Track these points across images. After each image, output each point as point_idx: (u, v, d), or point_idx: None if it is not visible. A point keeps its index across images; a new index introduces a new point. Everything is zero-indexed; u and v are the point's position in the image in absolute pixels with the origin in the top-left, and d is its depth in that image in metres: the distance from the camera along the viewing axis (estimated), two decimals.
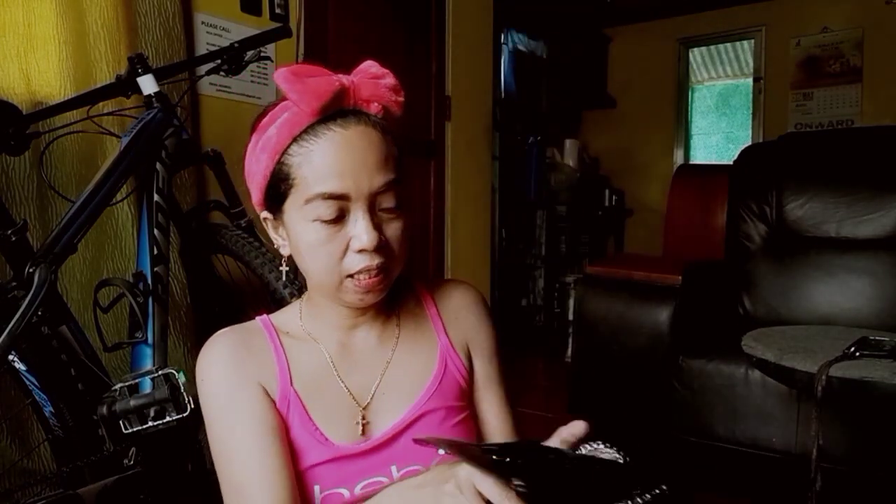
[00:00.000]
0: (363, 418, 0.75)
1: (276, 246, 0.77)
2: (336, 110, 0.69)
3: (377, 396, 0.77)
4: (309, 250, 0.70)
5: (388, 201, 0.69)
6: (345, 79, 0.70)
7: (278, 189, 0.70)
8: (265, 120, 0.72)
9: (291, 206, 0.70)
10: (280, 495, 0.68)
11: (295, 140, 0.68)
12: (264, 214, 0.75)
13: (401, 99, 0.72)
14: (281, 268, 0.77)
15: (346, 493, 0.72)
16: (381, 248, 0.69)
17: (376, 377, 0.78)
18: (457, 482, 0.55)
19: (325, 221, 0.68)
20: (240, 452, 0.70)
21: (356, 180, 0.67)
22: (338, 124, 0.68)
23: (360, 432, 0.74)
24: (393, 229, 0.71)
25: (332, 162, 0.67)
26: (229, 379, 0.72)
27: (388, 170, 0.69)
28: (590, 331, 1.99)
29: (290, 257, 0.76)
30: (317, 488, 0.72)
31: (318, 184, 0.67)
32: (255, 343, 0.76)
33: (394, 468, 0.74)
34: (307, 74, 0.68)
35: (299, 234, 0.70)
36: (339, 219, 0.68)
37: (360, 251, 0.68)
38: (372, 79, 0.71)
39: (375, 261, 0.69)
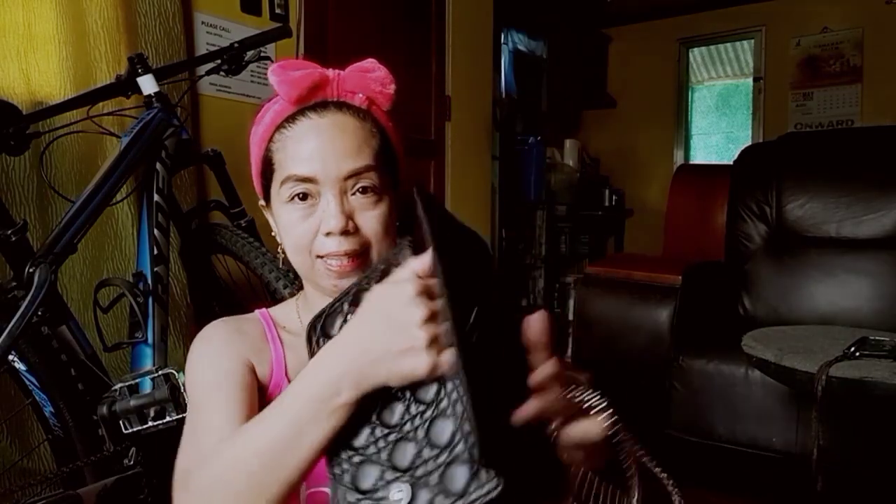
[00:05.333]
0: None
1: (272, 234, 0.79)
2: (318, 101, 0.72)
3: None
4: (284, 231, 0.73)
5: (362, 184, 0.71)
6: (330, 72, 0.74)
7: (267, 175, 0.74)
8: (260, 113, 0.76)
9: (274, 190, 0.73)
10: None
11: (278, 128, 0.73)
12: (261, 202, 0.79)
13: (388, 91, 0.75)
14: (278, 254, 0.80)
15: (329, 491, 0.72)
16: (351, 233, 0.70)
17: None
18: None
19: (297, 202, 0.71)
20: (207, 407, 0.69)
21: (324, 164, 0.69)
22: (315, 112, 0.71)
23: None
24: (368, 216, 0.72)
25: (301, 146, 0.70)
26: (216, 350, 0.73)
27: (362, 156, 0.71)
28: (590, 331, 1.99)
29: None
30: (303, 486, 0.72)
31: (290, 166, 0.71)
32: (251, 331, 0.77)
33: None
34: (293, 68, 0.72)
35: (279, 216, 0.74)
36: (310, 199, 0.71)
37: (328, 234, 0.70)
38: (360, 72, 0.74)
39: (344, 246, 0.70)
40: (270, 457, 0.55)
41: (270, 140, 0.73)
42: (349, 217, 0.70)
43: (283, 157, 0.71)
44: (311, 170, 0.69)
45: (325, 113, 0.71)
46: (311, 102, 0.72)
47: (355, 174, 0.70)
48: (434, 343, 0.51)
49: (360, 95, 0.74)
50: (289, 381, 0.74)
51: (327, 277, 0.72)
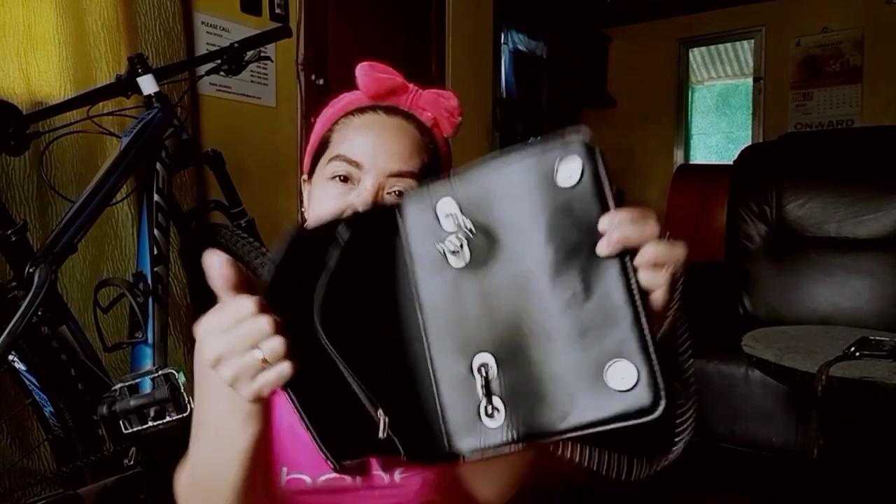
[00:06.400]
0: None
1: (302, 209, 0.82)
2: (391, 105, 0.77)
3: None
4: (316, 203, 0.76)
5: (400, 187, 0.73)
6: (410, 85, 0.79)
7: (320, 152, 0.78)
8: (336, 98, 0.81)
9: (321, 165, 0.77)
10: None
11: (346, 115, 0.77)
12: (304, 177, 0.82)
13: (454, 119, 0.80)
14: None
15: (307, 479, 0.74)
16: None
17: None
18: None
19: (338, 182, 0.73)
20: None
21: (373, 155, 0.72)
22: (384, 111, 0.76)
23: None
24: None
25: (361, 134, 0.74)
26: None
27: (411, 162, 0.73)
28: None
29: None
30: (284, 469, 0.74)
31: (343, 147, 0.74)
32: None
33: None
34: (379, 70, 0.78)
35: (316, 191, 0.76)
36: (350, 183, 0.73)
37: None
38: (435, 94, 0.79)
39: None
40: (211, 478, 0.59)
41: (335, 122, 0.77)
42: None
43: (341, 137, 0.75)
44: (360, 155, 0.72)
45: (393, 115, 0.76)
46: (385, 104, 0.77)
47: (398, 174, 0.72)
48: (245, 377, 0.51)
49: (429, 114, 0.78)
50: None
51: None
